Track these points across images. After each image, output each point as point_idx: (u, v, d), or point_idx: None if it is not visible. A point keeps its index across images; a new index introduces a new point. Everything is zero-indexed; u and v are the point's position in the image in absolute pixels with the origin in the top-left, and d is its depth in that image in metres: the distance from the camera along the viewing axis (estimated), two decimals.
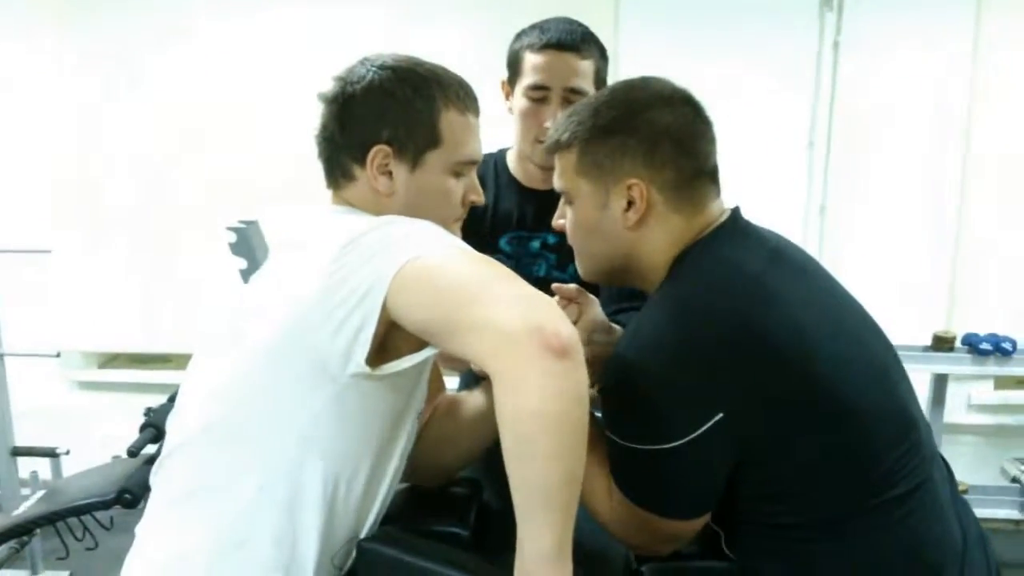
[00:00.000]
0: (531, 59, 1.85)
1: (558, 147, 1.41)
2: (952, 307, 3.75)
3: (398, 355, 1.21)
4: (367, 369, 1.17)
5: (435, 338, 1.16)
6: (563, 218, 1.47)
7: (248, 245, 2.83)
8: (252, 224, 2.88)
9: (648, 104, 1.38)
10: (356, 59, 1.43)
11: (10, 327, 3.22)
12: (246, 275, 2.82)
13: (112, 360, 4.20)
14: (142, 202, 3.87)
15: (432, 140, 1.37)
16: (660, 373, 1.23)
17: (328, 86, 1.41)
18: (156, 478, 1.34)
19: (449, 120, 1.38)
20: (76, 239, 3.86)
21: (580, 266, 1.49)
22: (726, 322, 1.23)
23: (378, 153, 1.35)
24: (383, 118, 1.36)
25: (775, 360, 1.22)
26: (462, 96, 1.40)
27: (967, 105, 3.61)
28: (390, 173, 1.36)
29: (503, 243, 2.00)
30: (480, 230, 1.93)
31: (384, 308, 1.14)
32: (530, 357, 1.02)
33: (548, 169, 1.88)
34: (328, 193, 1.44)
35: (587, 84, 1.84)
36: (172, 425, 1.35)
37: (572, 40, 1.84)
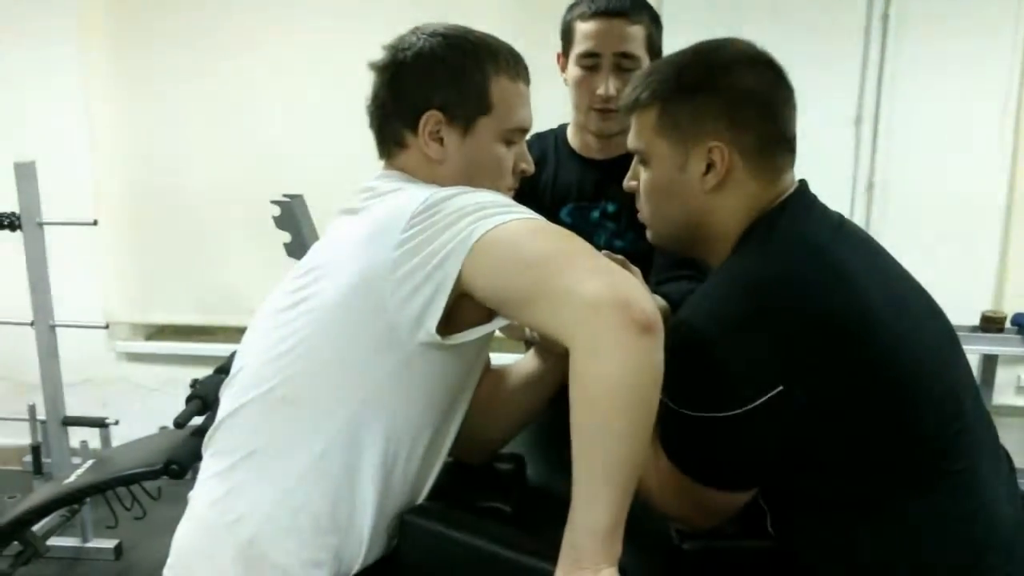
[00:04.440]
0: (582, 28, 1.86)
1: (636, 105, 1.37)
2: (1001, 287, 3.69)
3: (465, 326, 1.22)
4: (437, 338, 1.18)
5: (512, 308, 1.17)
6: (635, 179, 1.43)
7: (293, 219, 2.85)
8: (297, 198, 2.90)
9: (732, 65, 1.36)
10: (407, 29, 1.43)
11: (60, 299, 3.27)
12: (291, 248, 2.85)
13: (159, 332, 4.25)
14: (189, 174, 3.89)
15: (483, 106, 1.37)
16: (723, 341, 1.22)
17: (379, 55, 1.41)
18: (210, 443, 1.34)
19: (500, 87, 1.38)
20: (123, 211, 3.89)
21: (650, 229, 1.46)
22: (793, 296, 1.22)
23: (430, 119, 1.36)
24: (434, 84, 1.36)
25: (839, 336, 1.20)
26: (512, 63, 1.41)
27: (1019, 80, 3.54)
28: (442, 140, 1.37)
29: (564, 215, 1.99)
30: (542, 203, 1.93)
31: (460, 277, 1.15)
32: (615, 328, 1.03)
33: (604, 137, 1.93)
34: (379, 164, 1.45)
35: (639, 49, 1.84)
36: (228, 391, 1.35)
37: (621, 6, 1.84)
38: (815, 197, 1.40)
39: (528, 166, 1.47)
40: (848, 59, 3.59)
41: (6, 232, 3.17)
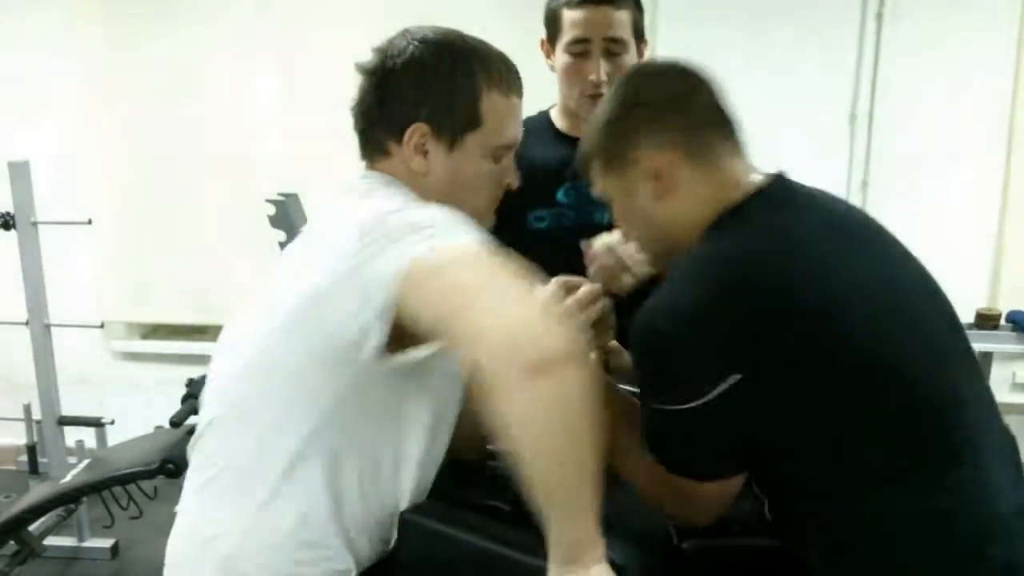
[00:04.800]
0: (569, 15, 1.87)
1: (586, 161, 1.43)
2: (996, 284, 3.70)
3: (417, 343, 1.20)
4: (385, 356, 1.18)
5: (432, 336, 1.15)
6: (617, 225, 1.50)
7: (287, 218, 2.85)
8: (291, 197, 2.91)
9: (637, 86, 1.42)
10: (397, 31, 1.39)
11: (54, 298, 3.26)
12: (285, 247, 2.85)
13: (154, 331, 4.24)
14: (184, 173, 3.89)
15: (472, 122, 1.34)
16: (675, 335, 1.24)
17: (367, 58, 1.37)
18: (192, 454, 1.34)
19: (492, 101, 1.34)
20: (118, 210, 3.88)
21: (645, 259, 1.52)
22: (743, 284, 1.24)
23: (416, 131, 1.32)
24: (423, 95, 1.32)
25: (795, 321, 1.22)
26: (505, 76, 1.37)
27: (1013, 78, 3.55)
28: (426, 152, 1.33)
29: (560, 195, 2.00)
30: (535, 186, 1.90)
31: (395, 300, 1.13)
32: (508, 373, 1.01)
33: None
34: (362, 165, 1.43)
35: (626, 33, 1.88)
36: (204, 400, 1.36)
37: None
38: (792, 187, 1.40)
39: (514, 181, 1.45)
40: (843, 57, 3.60)
41: (0, 231, 3.16)
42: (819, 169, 3.54)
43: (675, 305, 1.26)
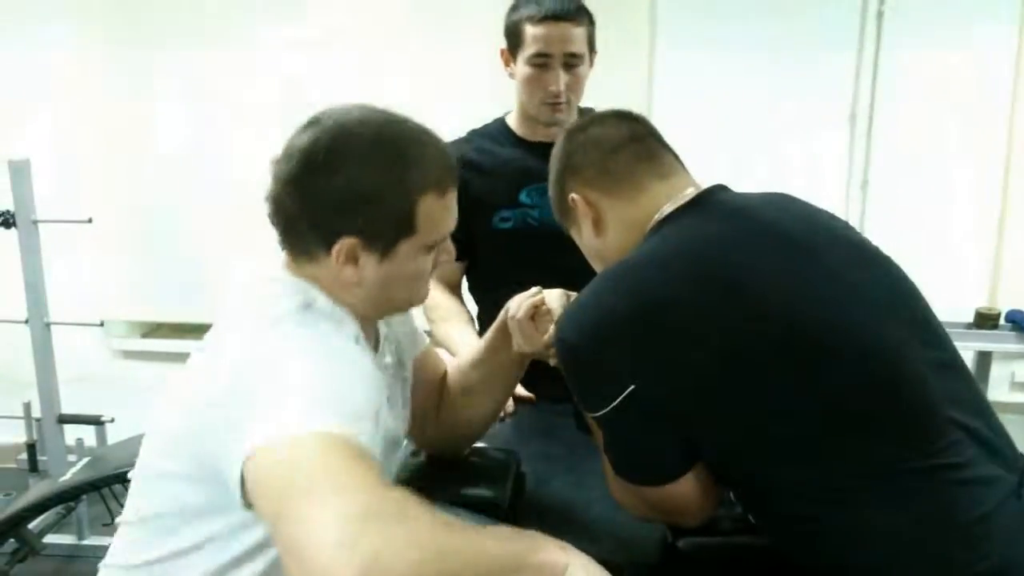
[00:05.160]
0: (531, 30, 2.00)
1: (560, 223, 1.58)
2: (996, 283, 3.69)
3: None
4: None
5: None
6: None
7: None
8: None
9: (561, 144, 1.56)
10: (312, 113, 1.29)
11: (54, 297, 3.27)
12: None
13: (155, 330, 4.24)
14: (185, 171, 3.89)
15: (407, 229, 1.26)
16: (579, 345, 1.31)
17: (281, 152, 1.26)
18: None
19: (427, 206, 1.26)
20: (119, 209, 3.88)
21: None
22: (631, 296, 1.29)
23: (345, 246, 1.24)
24: (353, 208, 1.23)
25: (681, 331, 1.25)
26: (442, 174, 1.29)
27: (1013, 76, 3.54)
28: (357, 260, 1.26)
29: (523, 197, 2.13)
30: (499, 189, 2.12)
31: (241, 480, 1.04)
32: None
33: (555, 124, 2.05)
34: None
35: (582, 47, 2.03)
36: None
37: (566, 10, 2.00)
38: (717, 197, 1.42)
39: (449, 256, 1.39)
40: (843, 56, 3.59)
41: (1, 230, 3.16)
42: (819, 169, 3.60)
43: (577, 318, 1.34)
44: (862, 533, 1.21)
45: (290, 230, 1.28)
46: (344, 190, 1.22)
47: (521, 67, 2.05)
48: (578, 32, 2.01)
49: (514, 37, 2.05)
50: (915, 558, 1.20)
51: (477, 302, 2.29)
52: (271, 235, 2.63)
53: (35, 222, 3.14)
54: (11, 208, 3.12)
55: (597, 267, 1.51)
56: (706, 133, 3.42)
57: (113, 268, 3.97)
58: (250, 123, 3.78)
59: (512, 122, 2.21)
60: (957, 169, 3.63)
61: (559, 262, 1.61)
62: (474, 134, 2.24)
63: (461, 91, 3.46)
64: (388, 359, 1.45)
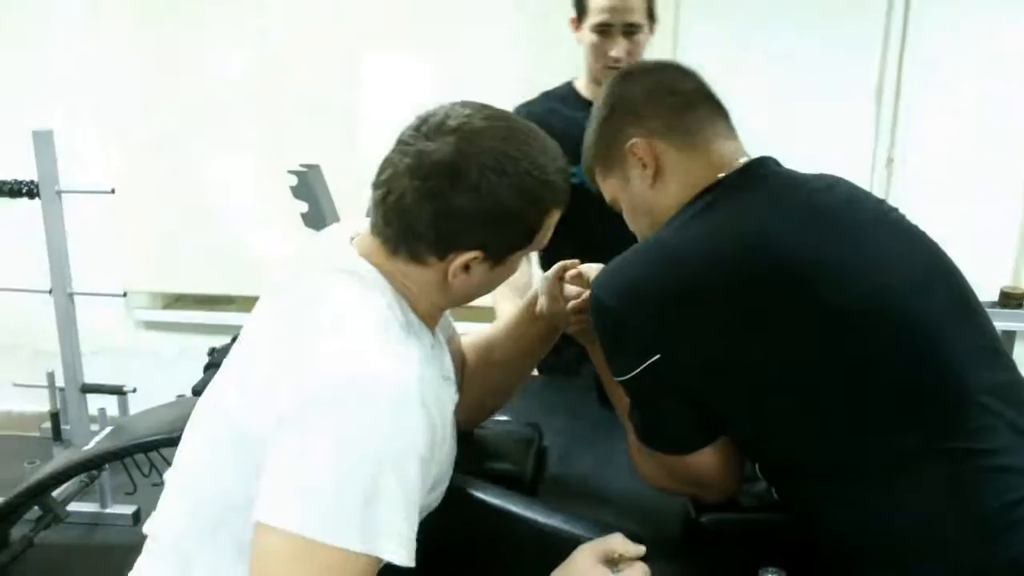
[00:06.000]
0: (595, 2, 2.22)
1: (591, 173, 1.53)
2: (1021, 262, 3.66)
3: None
4: None
5: None
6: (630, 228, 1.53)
7: (310, 189, 2.84)
8: (314, 168, 2.89)
9: (618, 88, 1.50)
10: (426, 112, 1.22)
11: (78, 267, 3.28)
12: (307, 218, 2.85)
13: (177, 301, 4.26)
14: (207, 144, 3.90)
15: (527, 243, 1.26)
16: (611, 307, 1.30)
17: (411, 159, 1.18)
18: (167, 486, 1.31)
19: (549, 222, 1.26)
20: (141, 179, 3.90)
21: None
22: (670, 271, 1.28)
23: (465, 258, 1.20)
24: (485, 226, 1.19)
25: (714, 310, 1.24)
26: (565, 192, 1.26)
27: None
28: (468, 269, 1.22)
29: None
30: (565, 149, 2.11)
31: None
32: None
33: None
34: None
35: (641, 18, 2.22)
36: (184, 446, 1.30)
37: None
38: (764, 171, 1.41)
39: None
40: (869, 32, 3.55)
41: (25, 200, 3.18)
42: (844, 146, 3.56)
43: (614, 281, 1.32)
44: (881, 512, 1.20)
45: (407, 232, 1.20)
46: (480, 210, 1.18)
47: (586, 34, 2.25)
48: (637, 3, 2.21)
49: (580, 6, 2.26)
50: (932, 541, 1.19)
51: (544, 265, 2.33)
52: (292, 207, 2.65)
53: (59, 192, 3.15)
54: (35, 179, 3.13)
55: (638, 219, 1.47)
56: (730, 108, 3.38)
57: (136, 239, 3.99)
58: (272, 95, 3.79)
59: (580, 85, 2.39)
60: (984, 147, 3.59)
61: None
62: (545, 95, 2.42)
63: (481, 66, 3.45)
64: (440, 336, 1.43)
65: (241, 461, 1.14)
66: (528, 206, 1.21)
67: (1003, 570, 1.16)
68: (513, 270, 1.30)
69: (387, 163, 1.21)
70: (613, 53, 2.21)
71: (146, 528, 1.30)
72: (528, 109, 2.29)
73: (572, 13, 2.31)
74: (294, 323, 1.20)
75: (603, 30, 2.22)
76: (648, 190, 1.42)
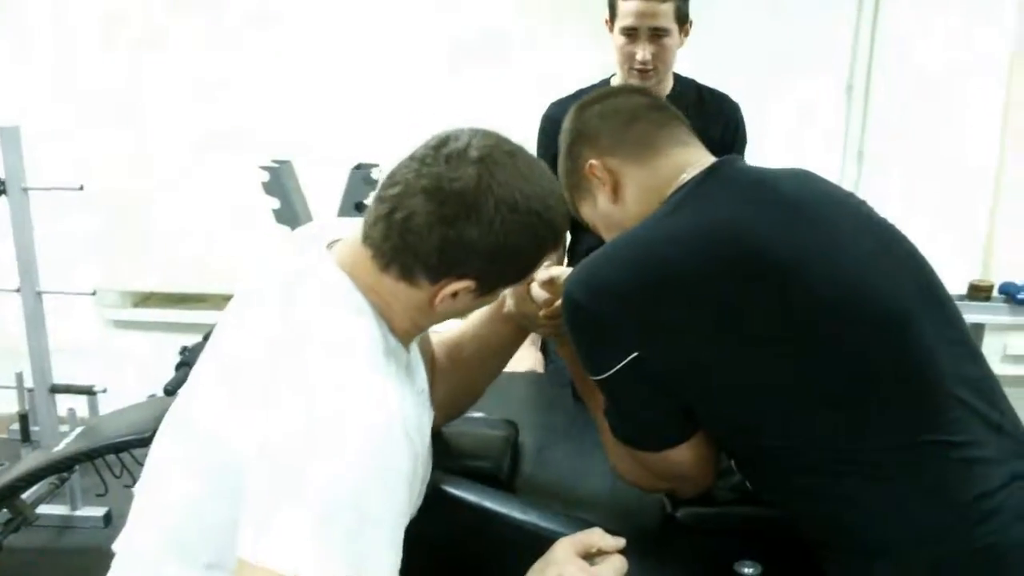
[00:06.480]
0: (623, 5, 2.30)
1: (570, 203, 1.51)
2: (989, 256, 3.70)
3: None
4: None
5: None
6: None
7: (281, 185, 2.83)
8: (285, 164, 2.88)
9: (572, 119, 1.55)
10: (445, 134, 1.20)
11: (46, 266, 3.25)
12: (279, 215, 2.84)
13: (147, 299, 4.23)
14: (177, 140, 3.86)
15: (518, 279, 1.27)
16: (585, 306, 1.30)
17: (428, 181, 1.16)
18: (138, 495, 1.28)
19: (542, 263, 1.27)
20: (110, 177, 3.86)
21: None
22: (643, 266, 1.28)
23: (457, 286, 1.19)
24: (489, 261, 1.18)
25: (689, 304, 1.25)
26: (563, 235, 1.28)
27: (1009, 50, 3.53)
28: (456, 295, 1.21)
29: None
30: None
31: None
32: None
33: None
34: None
35: (668, 22, 2.28)
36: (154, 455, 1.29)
37: None
38: (728, 170, 1.41)
39: None
40: (839, 27, 3.58)
41: None
42: (814, 140, 3.58)
43: (587, 279, 1.32)
44: (856, 503, 1.21)
45: (407, 251, 1.17)
46: (487, 244, 1.16)
47: (616, 36, 2.33)
48: (664, 8, 2.26)
49: (612, 9, 2.35)
50: (909, 530, 1.19)
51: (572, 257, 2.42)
52: (264, 206, 2.63)
53: (25, 190, 3.11)
54: (1, 176, 3.09)
55: (609, 237, 1.48)
56: None
57: (105, 237, 3.95)
58: (242, 90, 3.76)
59: (615, 83, 2.43)
60: (952, 141, 3.62)
61: None
62: (581, 93, 2.38)
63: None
64: (415, 347, 1.41)
65: (215, 483, 1.13)
66: (532, 246, 1.21)
67: (981, 555, 1.17)
68: (495, 300, 1.32)
69: (398, 179, 1.18)
70: (639, 56, 2.29)
71: (115, 546, 1.27)
72: (564, 107, 2.21)
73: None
74: (275, 344, 1.17)
75: (630, 33, 2.29)
76: (611, 206, 1.47)
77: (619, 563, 1.14)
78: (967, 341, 1.35)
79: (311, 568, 1.00)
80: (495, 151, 1.18)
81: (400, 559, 1.07)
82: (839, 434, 1.22)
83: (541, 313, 1.52)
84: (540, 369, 2.33)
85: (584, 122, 1.52)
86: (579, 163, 1.48)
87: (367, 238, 1.20)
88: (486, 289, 1.22)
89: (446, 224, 1.15)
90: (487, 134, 1.21)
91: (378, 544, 1.04)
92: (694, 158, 1.43)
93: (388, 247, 1.18)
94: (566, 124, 1.56)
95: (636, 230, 1.35)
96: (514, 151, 1.21)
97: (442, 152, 1.17)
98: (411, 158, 1.19)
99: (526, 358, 2.28)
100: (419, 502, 1.28)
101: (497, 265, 1.19)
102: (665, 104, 1.54)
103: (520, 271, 1.24)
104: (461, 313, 1.29)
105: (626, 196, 1.45)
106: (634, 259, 1.30)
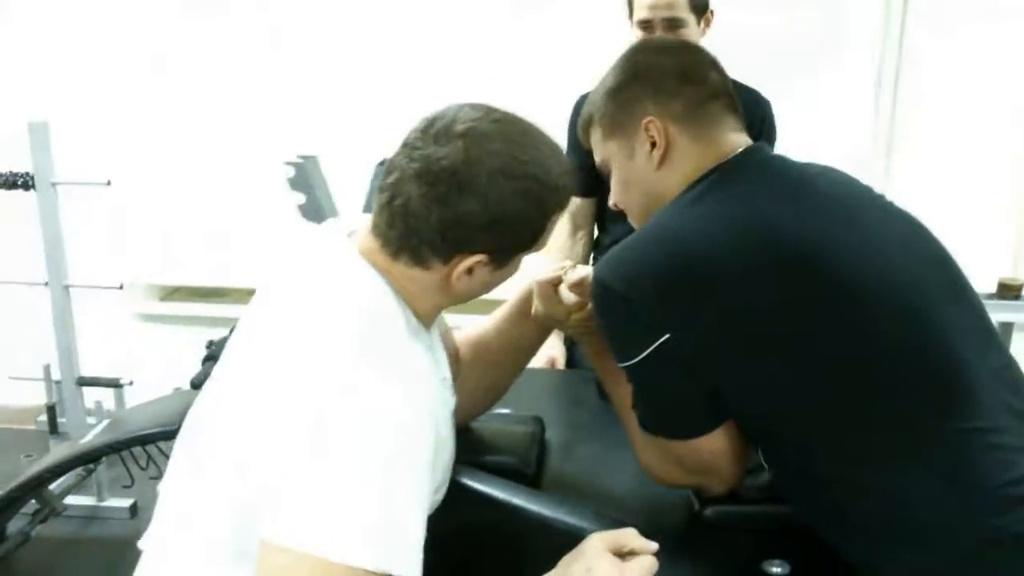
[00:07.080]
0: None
1: (587, 128, 1.50)
2: (1019, 253, 3.66)
3: None
4: None
5: None
6: (616, 196, 1.52)
7: (307, 180, 2.83)
8: (311, 159, 2.88)
9: (644, 54, 1.51)
10: (433, 114, 1.21)
11: (74, 259, 3.27)
12: (304, 210, 2.84)
13: (174, 293, 4.25)
14: (204, 134, 3.89)
15: (532, 245, 1.26)
16: (615, 290, 1.29)
17: (419, 164, 1.17)
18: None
19: (553, 223, 1.26)
20: (138, 172, 3.88)
21: (637, 225, 1.51)
22: (674, 253, 1.28)
23: (469, 261, 1.20)
24: (491, 230, 1.18)
25: (720, 289, 1.25)
26: (569, 195, 1.27)
27: None
28: (472, 271, 1.22)
29: None
30: None
31: None
32: None
33: None
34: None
35: (683, 13, 2.29)
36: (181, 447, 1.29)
37: None
38: (763, 158, 1.42)
39: None
40: (868, 18, 3.54)
41: (20, 192, 3.16)
42: (843, 135, 3.55)
43: (620, 262, 1.32)
44: (881, 491, 1.21)
45: (411, 236, 1.19)
46: (487, 216, 1.17)
47: (634, 31, 2.35)
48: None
49: (629, 5, 2.38)
50: (934, 518, 1.19)
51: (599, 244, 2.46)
52: (289, 202, 2.64)
53: (54, 184, 3.13)
54: (30, 170, 3.11)
55: (629, 192, 1.47)
56: None
57: (133, 232, 3.98)
58: (274, 87, 3.78)
59: None
60: (983, 136, 3.58)
61: None
62: None
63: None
64: (436, 334, 1.42)
65: (240, 483, 1.12)
66: (534, 211, 1.20)
67: (1010, 544, 1.17)
68: (516, 270, 1.29)
69: (393, 166, 1.20)
70: None
71: (141, 544, 1.28)
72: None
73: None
74: (299, 331, 1.17)
75: (645, 26, 2.30)
76: (652, 170, 1.42)
77: (649, 563, 1.13)
78: (990, 329, 1.36)
79: (336, 551, 1.00)
80: (481, 123, 1.18)
81: (422, 547, 1.07)
82: (871, 421, 1.22)
83: (573, 317, 1.51)
84: (562, 361, 2.33)
85: (658, 71, 1.45)
86: (635, 109, 1.43)
87: (375, 227, 1.22)
88: (501, 260, 1.23)
89: (442, 203, 1.16)
90: (474, 106, 1.21)
91: (403, 532, 1.05)
92: (741, 145, 1.42)
93: (394, 235, 1.20)
94: (630, 55, 1.50)
95: (664, 220, 1.35)
96: (503, 119, 1.21)
97: (429, 132, 1.18)
98: (403, 144, 1.21)
99: (549, 347, 2.28)
100: (444, 487, 1.29)
101: (503, 235, 1.20)
102: (731, 87, 1.49)
103: (531, 236, 1.24)
104: (486, 287, 1.28)
105: (673, 168, 1.41)
106: (665, 244, 1.30)
